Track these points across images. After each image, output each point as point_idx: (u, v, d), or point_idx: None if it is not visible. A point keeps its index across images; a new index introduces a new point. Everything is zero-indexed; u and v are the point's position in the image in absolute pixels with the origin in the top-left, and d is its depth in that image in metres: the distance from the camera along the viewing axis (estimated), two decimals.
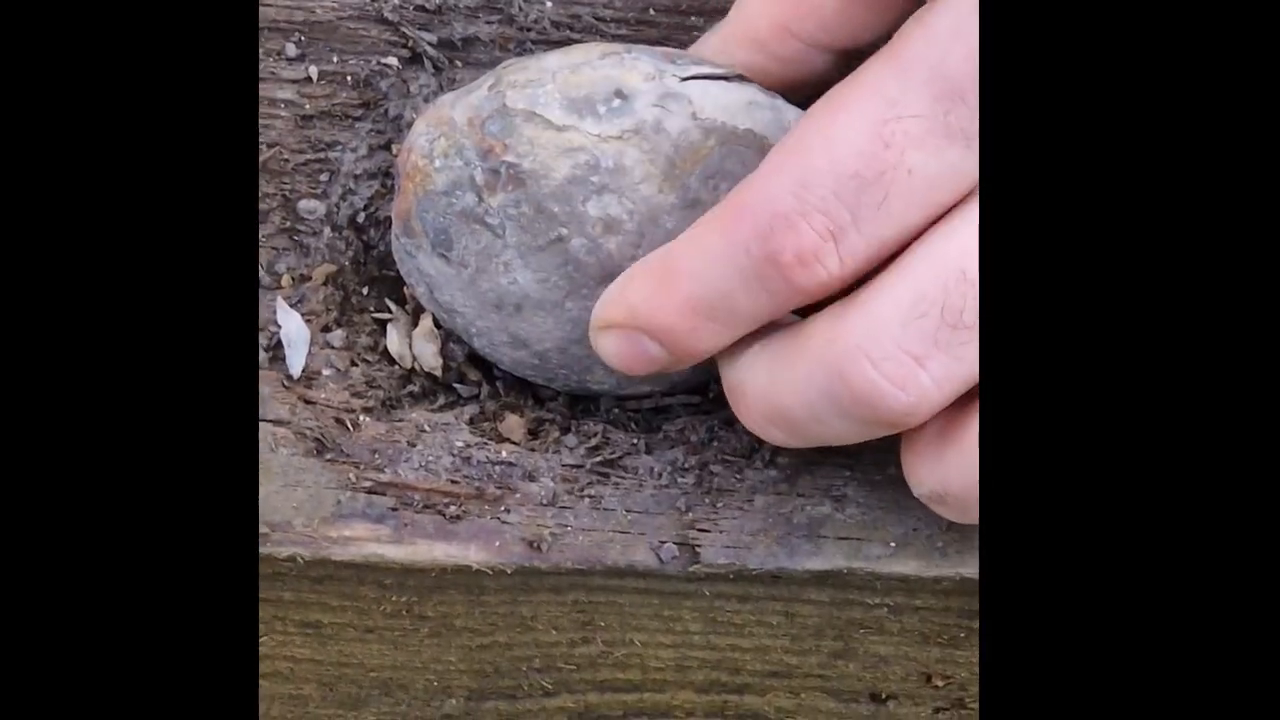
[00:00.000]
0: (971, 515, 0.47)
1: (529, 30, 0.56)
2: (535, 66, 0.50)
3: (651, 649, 0.52)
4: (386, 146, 0.56)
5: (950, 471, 0.46)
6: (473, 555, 0.50)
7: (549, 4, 0.57)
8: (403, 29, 0.57)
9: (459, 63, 0.56)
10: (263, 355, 0.52)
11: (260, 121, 0.55)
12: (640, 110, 0.49)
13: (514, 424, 0.52)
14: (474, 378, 0.53)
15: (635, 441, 0.52)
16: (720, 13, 0.53)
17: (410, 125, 0.54)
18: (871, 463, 0.51)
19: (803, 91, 0.51)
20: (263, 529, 0.49)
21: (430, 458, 0.51)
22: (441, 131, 0.50)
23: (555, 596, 0.51)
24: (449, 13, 0.57)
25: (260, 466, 0.50)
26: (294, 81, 0.56)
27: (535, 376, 0.52)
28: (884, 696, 0.54)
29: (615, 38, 0.56)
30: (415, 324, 0.54)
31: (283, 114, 0.55)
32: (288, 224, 0.54)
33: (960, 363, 0.44)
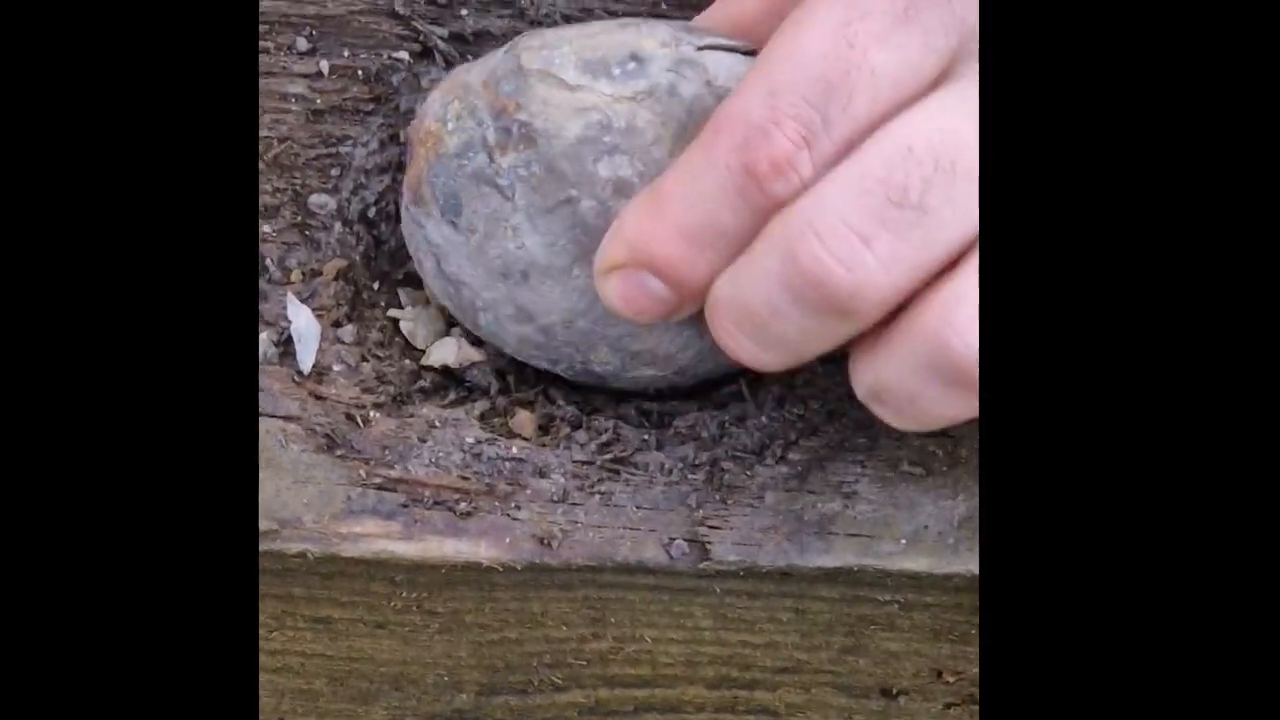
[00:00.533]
0: (906, 417, 0.47)
1: (540, 24, 0.56)
2: (553, 35, 0.50)
3: (662, 645, 0.52)
4: (398, 140, 0.55)
5: (884, 367, 0.46)
6: (483, 552, 0.50)
7: None
8: (414, 23, 0.57)
9: (470, 57, 0.56)
10: (273, 351, 0.52)
11: (271, 116, 0.55)
12: (655, 74, 0.49)
13: (525, 420, 0.52)
14: (485, 377, 0.53)
15: (646, 438, 0.52)
16: None
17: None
18: (883, 459, 0.51)
19: None
20: (273, 525, 0.49)
21: (441, 454, 0.51)
22: (456, 95, 0.50)
23: (565, 593, 0.51)
24: (460, 7, 0.57)
25: (271, 463, 0.50)
26: (305, 76, 0.56)
27: (540, 358, 0.52)
28: (894, 692, 0.54)
29: None
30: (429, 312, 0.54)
31: (294, 108, 0.55)
32: (298, 219, 0.54)
33: (907, 244, 0.44)
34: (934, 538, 0.50)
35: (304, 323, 0.52)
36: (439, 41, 0.56)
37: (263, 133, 0.55)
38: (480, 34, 0.57)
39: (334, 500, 0.50)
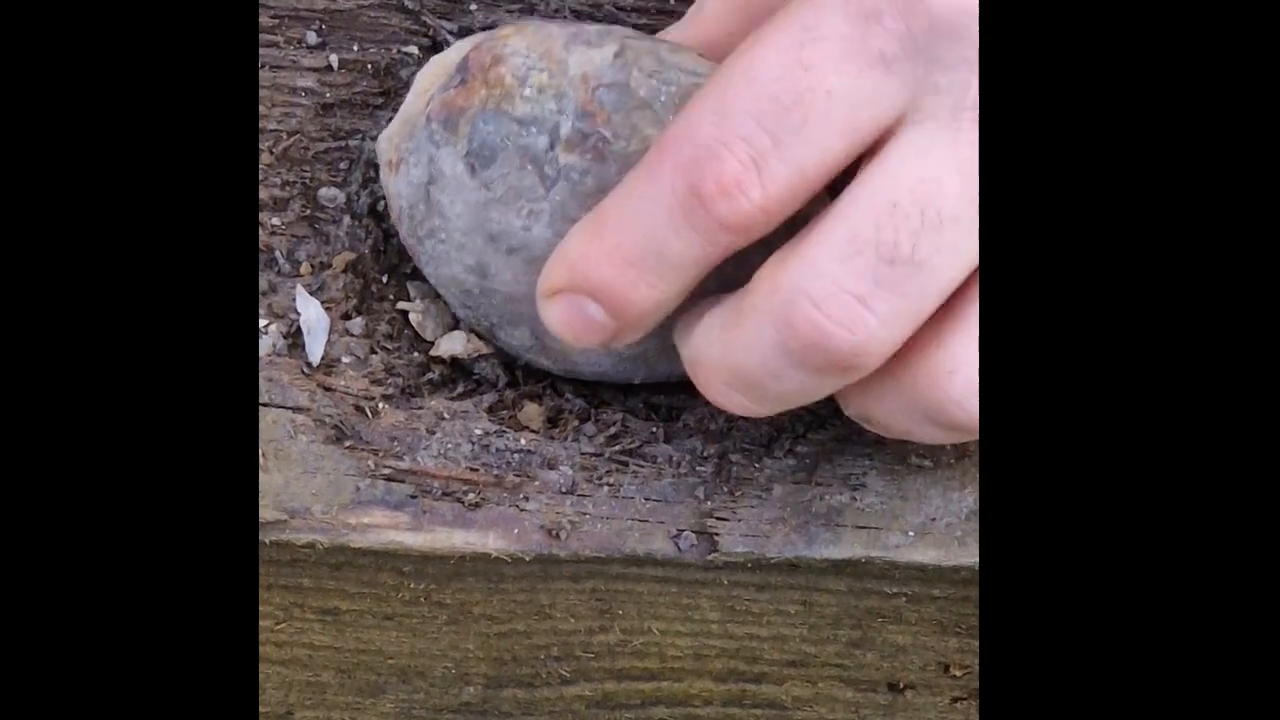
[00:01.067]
0: (896, 435, 0.48)
1: (550, 20, 0.56)
2: (665, 59, 0.50)
3: (669, 637, 0.52)
4: None
5: (875, 406, 0.47)
6: (491, 543, 0.50)
7: None
8: (423, 17, 0.57)
9: None
10: (282, 342, 0.52)
11: (281, 110, 0.55)
12: None
13: (533, 413, 0.52)
14: (493, 371, 0.53)
15: (654, 430, 0.52)
16: None
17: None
18: (890, 452, 0.51)
19: None
20: (281, 515, 0.49)
21: (449, 445, 0.51)
22: (547, 67, 0.49)
23: (573, 584, 0.51)
24: (469, 1, 0.57)
25: (279, 453, 0.50)
26: (315, 70, 0.56)
27: (466, 308, 0.51)
28: (901, 686, 0.54)
29: (636, 27, 0.56)
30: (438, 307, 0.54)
31: (303, 102, 0.55)
32: (308, 212, 0.54)
33: (906, 299, 0.44)
34: (942, 530, 0.50)
35: (314, 315, 0.52)
36: (448, 36, 0.57)
37: (272, 126, 0.55)
38: (489, 28, 0.57)
39: (343, 491, 0.50)
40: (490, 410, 0.52)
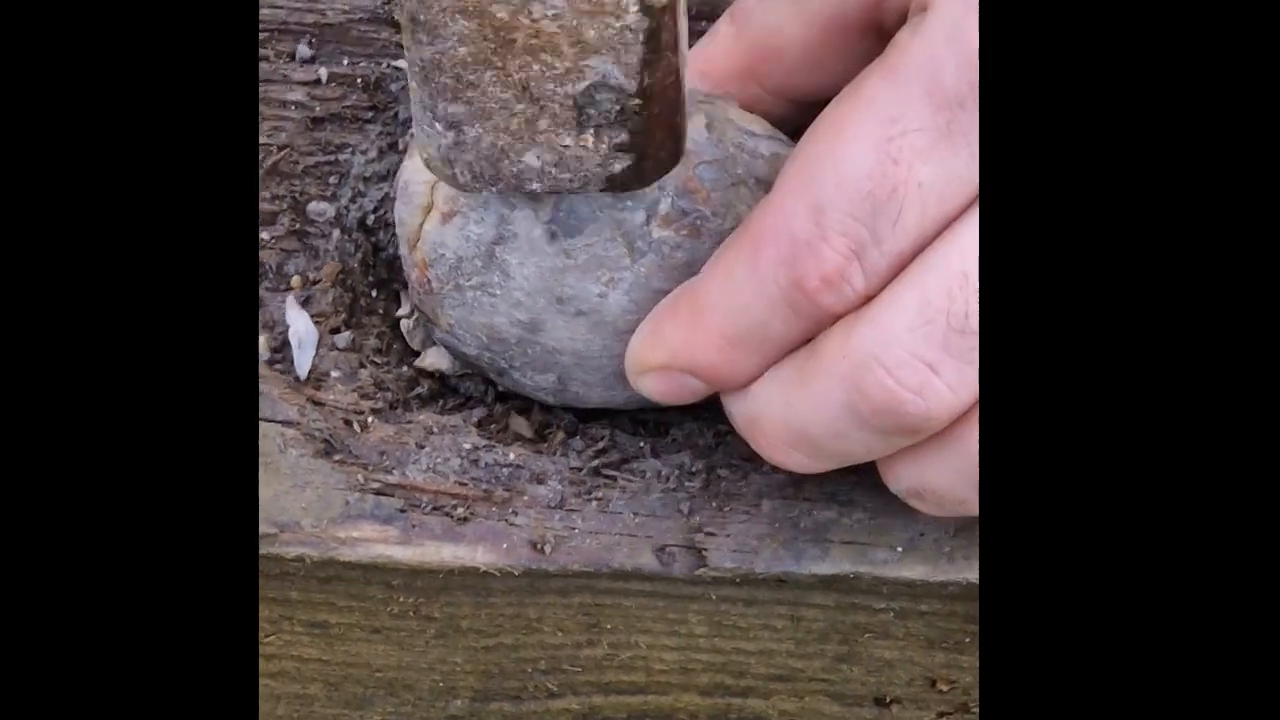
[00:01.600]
0: (948, 509, 0.48)
1: None
2: (739, 125, 0.50)
3: (657, 651, 0.53)
4: (396, 148, 0.56)
5: (931, 473, 0.47)
6: (480, 557, 0.50)
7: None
8: None
9: None
10: (272, 356, 0.52)
11: (270, 123, 0.55)
12: None
13: (522, 425, 0.52)
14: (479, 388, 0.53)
15: (642, 445, 0.52)
16: None
17: None
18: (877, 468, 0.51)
19: None
20: (271, 529, 0.49)
21: (438, 460, 0.51)
22: None
23: (562, 599, 0.51)
24: None
25: (269, 467, 0.50)
26: (305, 83, 0.56)
27: (498, 356, 0.51)
28: (888, 701, 0.54)
29: None
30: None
31: (293, 116, 0.56)
32: (297, 226, 0.54)
33: (972, 367, 0.44)
34: (930, 545, 0.50)
35: (303, 327, 0.52)
36: None
37: (262, 140, 0.55)
38: None
39: (332, 505, 0.50)
40: (479, 425, 0.52)
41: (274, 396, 0.51)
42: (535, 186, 0.46)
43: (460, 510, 0.50)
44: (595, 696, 0.54)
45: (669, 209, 0.48)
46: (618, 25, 0.43)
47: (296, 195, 0.55)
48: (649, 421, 0.53)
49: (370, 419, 0.51)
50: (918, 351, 0.44)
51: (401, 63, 0.56)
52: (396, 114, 0.56)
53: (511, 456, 0.51)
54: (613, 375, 0.50)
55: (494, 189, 0.46)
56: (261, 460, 0.50)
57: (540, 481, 0.51)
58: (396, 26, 0.57)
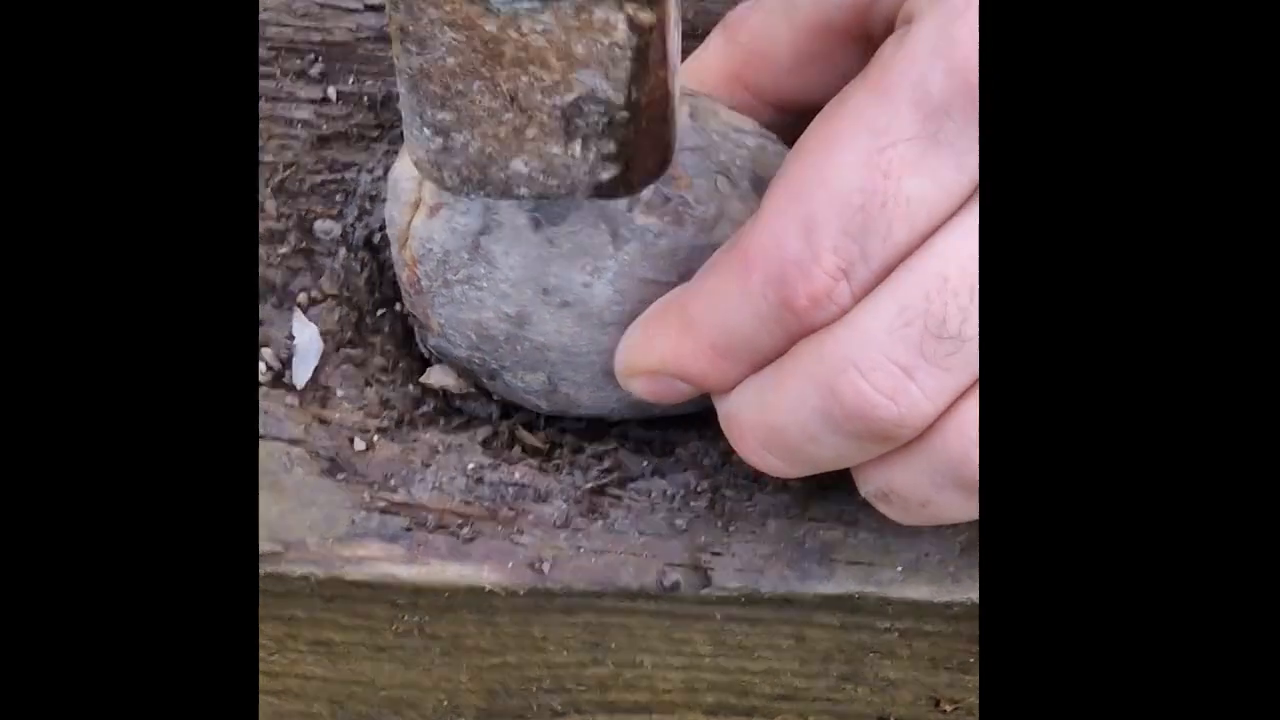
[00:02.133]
0: (913, 517, 0.48)
1: None
2: (724, 118, 0.50)
3: (661, 670, 0.53)
4: None
5: (898, 474, 0.47)
6: (485, 576, 0.50)
7: None
8: None
9: None
10: (277, 374, 0.52)
11: (277, 142, 0.55)
12: None
13: (529, 437, 0.52)
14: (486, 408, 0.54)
15: (647, 464, 0.52)
16: None
17: None
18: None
19: None
20: (276, 547, 0.49)
21: (444, 478, 0.51)
22: None
23: (566, 618, 0.51)
24: None
25: (274, 486, 0.50)
26: (311, 102, 0.56)
27: (488, 354, 0.51)
28: None
29: None
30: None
31: (299, 134, 0.56)
32: (303, 244, 0.54)
33: (949, 374, 0.44)
34: (934, 565, 0.50)
35: (308, 338, 0.52)
36: None
37: (268, 158, 0.55)
38: None
39: (337, 523, 0.50)
40: (484, 443, 0.52)
41: (279, 415, 0.51)
42: (523, 192, 0.46)
43: (465, 529, 0.50)
44: (600, 715, 0.54)
45: (651, 195, 0.48)
46: (606, 41, 0.43)
47: (303, 213, 0.55)
48: (655, 441, 0.53)
49: (376, 437, 0.52)
50: (894, 356, 0.44)
51: None
52: (402, 133, 0.56)
53: (517, 475, 0.51)
54: (601, 374, 0.50)
55: (481, 193, 0.46)
56: (266, 478, 0.50)
57: (545, 500, 0.51)
58: None
